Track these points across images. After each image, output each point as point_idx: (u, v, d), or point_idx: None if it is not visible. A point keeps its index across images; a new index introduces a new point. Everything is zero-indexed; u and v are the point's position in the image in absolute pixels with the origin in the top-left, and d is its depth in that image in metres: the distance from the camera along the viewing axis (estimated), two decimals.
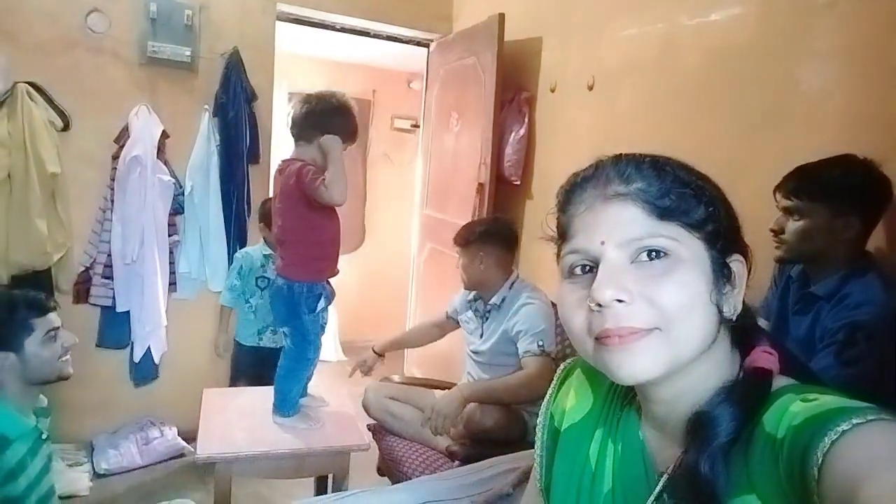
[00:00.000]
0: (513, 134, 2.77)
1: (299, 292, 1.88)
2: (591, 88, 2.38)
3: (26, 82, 2.47)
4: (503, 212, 2.77)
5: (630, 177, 0.61)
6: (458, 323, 2.37)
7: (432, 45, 3.47)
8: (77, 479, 2.43)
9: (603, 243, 0.60)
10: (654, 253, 0.59)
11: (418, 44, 3.54)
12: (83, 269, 2.70)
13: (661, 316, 0.58)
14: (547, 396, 0.84)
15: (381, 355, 2.41)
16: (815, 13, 1.58)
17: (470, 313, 2.28)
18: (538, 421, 0.83)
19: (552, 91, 2.63)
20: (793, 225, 1.36)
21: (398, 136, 4.89)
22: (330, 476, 2.00)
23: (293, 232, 1.90)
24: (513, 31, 2.70)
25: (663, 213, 0.59)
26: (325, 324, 1.99)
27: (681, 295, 0.58)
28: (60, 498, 2.21)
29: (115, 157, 2.65)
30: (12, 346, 1.49)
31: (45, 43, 2.55)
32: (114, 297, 2.67)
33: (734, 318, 0.62)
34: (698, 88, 1.92)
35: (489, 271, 2.15)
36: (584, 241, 0.62)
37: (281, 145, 3.12)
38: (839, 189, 1.29)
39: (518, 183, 2.78)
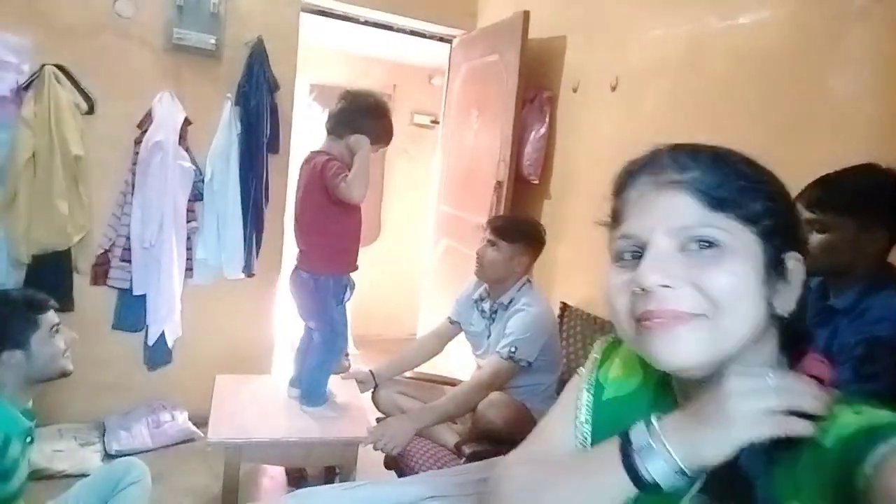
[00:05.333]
0: (533, 133, 2.76)
1: (325, 284, 1.90)
2: (614, 89, 2.36)
3: (53, 65, 2.50)
4: (521, 210, 2.76)
5: (686, 165, 0.60)
6: (460, 328, 2.34)
7: (455, 41, 3.46)
8: (88, 459, 2.46)
9: (653, 229, 0.60)
10: (704, 242, 0.58)
11: (441, 39, 3.54)
12: (102, 251, 2.73)
13: (709, 302, 0.57)
14: (590, 363, 0.82)
15: (376, 384, 2.27)
16: (847, 19, 1.55)
17: (475, 315, 2.26)
18: (580, 385, 0.81)
19: (574, 91, 2.61)
20: (816, 238, 1.31)
21: (417, 132, 4.88)
22: (338, 467, 2.02)
23: (314, 224, 1.93)
24: (537, 29, 2.69)
25: (717, 204, 0.58)
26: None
27: (730, 282, 0.57)
28: (72, 476, 2.26)
29: (138, 142, 2.68)
30: (19, 344, 1.47)
31: (73, 26, 2.57)
32: (131, 280, 2.71)
33: (786, 316, 0.61)
34: (724, 92, 1.89)
35: (518, 272, 2.12)
36: (634, 227, 0.62)
37: (301, 136, 3.14)
38: (866, 201, 1.25)
39: (537, 182, 2.76)
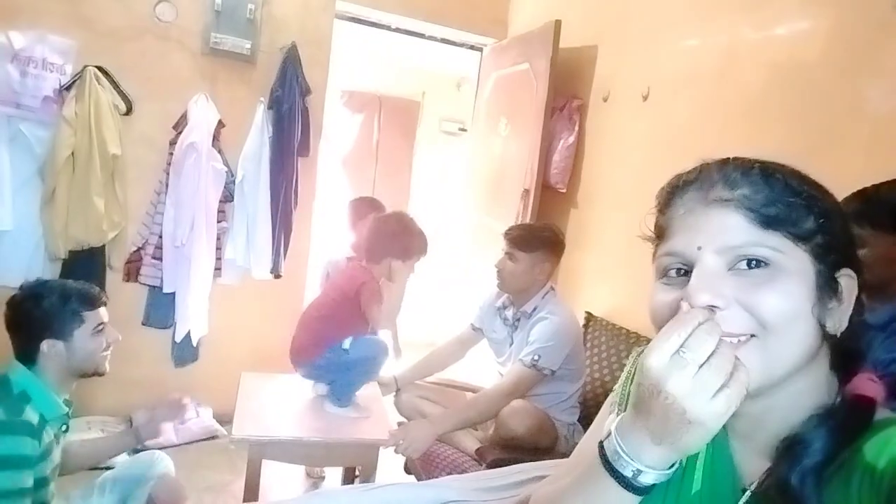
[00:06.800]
0: (561, 141, 2.75)
1: (324, 366, 2.03)
2: (645, 99, 2.34)
3: (95, 66, 2.58)
4: (547, 219, 2.75)
5: (735, 182, 0.59)
6: (482, 334, 2.34)
7: (486, 49, 3.48)
8: None
9: (700, 248, 0.58)
10: (754, 262, 0.57)
11: (471, 48, 3.56)
12: (135, 248, 2.79)
13: (759, 324, 0.55)
14: (622, 378, 0.81)
15: (398, 388, 2.30)
16: (889, 30, 1.52)
17: (498, 322, 2.26)
18: (613, 401, 0.79)
19: (605, 100, 2.60)
20: None
21: (445, 139, 4.91)
22: (358, 469, 2.03)
23: (327, 322, 2.04)
24: (568, 38, 2.69)
25: (768, 222, 0.57)
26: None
27: (781, 303, 0.55)
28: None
29: (173, 143, 2.75)
30: (62, 335, 1.50)
31: (115, 30, 2.66)
32: (161, 278, 2.76)
33: (838, 335, 0.59)
34: (759, 104, 1.87)
35: (540, 280, 2.12)
36: (680, 245, 0.61)
37: (331, 140, 3.18)
38: None
39: (564, 191, 2.76)
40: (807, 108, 1.71)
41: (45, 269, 2.59)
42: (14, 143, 2.52)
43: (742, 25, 1.95)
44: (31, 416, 1.43)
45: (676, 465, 0.57)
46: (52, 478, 1.55)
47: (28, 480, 1.39)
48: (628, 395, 0.78)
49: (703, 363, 0.51)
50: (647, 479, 0.56)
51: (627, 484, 0.57)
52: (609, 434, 0.60)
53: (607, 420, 0.61)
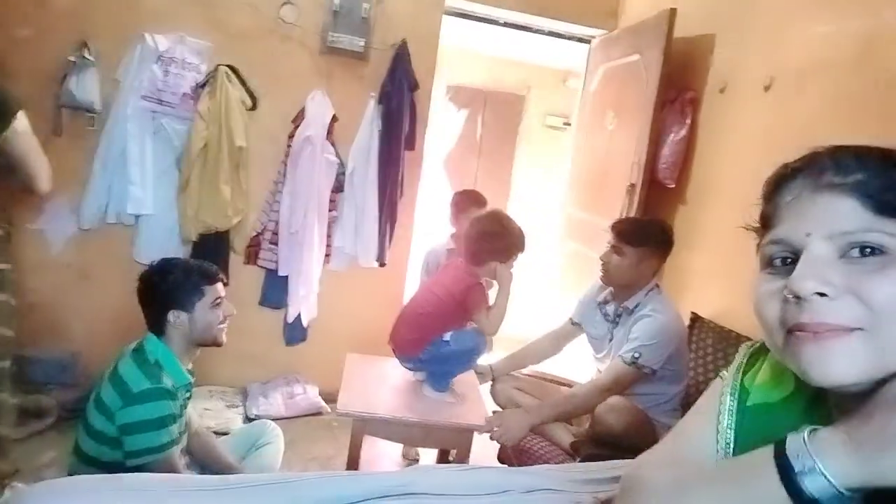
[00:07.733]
0: (671, 135, 2.65)
1: (427, 359, 2.06)
2: (767, 89, 2.20)
3: (226, 65, 2.80)
4: (653, 215, 2.66)
5: (848, 168, 0.56)
6: (581, 329, 2.31)
7: (594, 42, 3.41)
8: (232, 419, 2.73)
9: (808, 235, 0.57)
10: (867, 249, 0.54)
11: (579, 40, 3.50)
12: (255, 234, 3.01)
13: (870, 314, 0.53)
14: (734, 367, 0.78)
15: (494, 378, 2.33)
16: None
17: (599, 317, 2.22)
18: (723, 389, 0.77)
19: (721, 91, 2.47)
20: None
21: (549, 134, 4.87)
22: (452, 453, 2.08)
23: (431, 319, 2.08)
24: (683, 28, 2.58)
25: (884, 209, 0.54)
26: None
27: None
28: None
29: (291, 136, 2.94)
30: (185, 307, 1.65)
31: (244, 31, 2.87)
32: (277, 262, 2.96)
33: None
34: None
35: (646, 276, 2.06)
36: (787, 231, 0.59)
37: (436, 134, 3.25)
38: None
39: (672, 186, 2.65)
40: None
41: (177, 252, 2.84)
42: (156, 135, 2.80)
43: (885, 8, 1.78)
44: (167, 381, 1.60)
45: (851, 494, 0.51)
46: (179, 441, 1.72)
47: (176, 431, 1.58)
48: (740, 384, 0.75)
49: None
50: (814, 484, 0.51)
51: (791, 482, 0.52)
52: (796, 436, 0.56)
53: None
